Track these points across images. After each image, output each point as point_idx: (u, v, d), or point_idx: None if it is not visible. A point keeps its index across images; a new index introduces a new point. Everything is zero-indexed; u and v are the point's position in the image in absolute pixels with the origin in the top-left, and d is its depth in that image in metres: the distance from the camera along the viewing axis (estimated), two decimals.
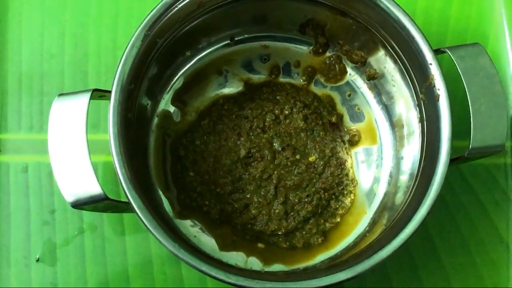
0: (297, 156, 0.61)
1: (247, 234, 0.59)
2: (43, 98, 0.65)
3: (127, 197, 0.47)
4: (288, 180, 0.61)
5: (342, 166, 0.62)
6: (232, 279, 0.46)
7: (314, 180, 0.61)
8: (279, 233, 0.59)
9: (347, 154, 0.63)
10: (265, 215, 0.60)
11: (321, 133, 0.62)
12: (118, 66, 0.50)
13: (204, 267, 0.46)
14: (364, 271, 0.47)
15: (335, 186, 0.61)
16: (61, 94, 0.51)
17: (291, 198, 0.60)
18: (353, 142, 0.63)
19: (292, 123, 0.62)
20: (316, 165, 0.61)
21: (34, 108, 0.64)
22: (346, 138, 0.63)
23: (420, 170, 0.54)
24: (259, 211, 0.60)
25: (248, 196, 0.60)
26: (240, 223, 0.60)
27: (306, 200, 0.60)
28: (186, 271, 0.60)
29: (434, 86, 0.51)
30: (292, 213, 0.60)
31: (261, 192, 0.60)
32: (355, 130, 0.63)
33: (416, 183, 0.53)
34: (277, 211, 0.60)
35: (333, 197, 0.61)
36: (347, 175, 0.62)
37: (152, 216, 0.47)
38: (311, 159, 0.61)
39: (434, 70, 0.51)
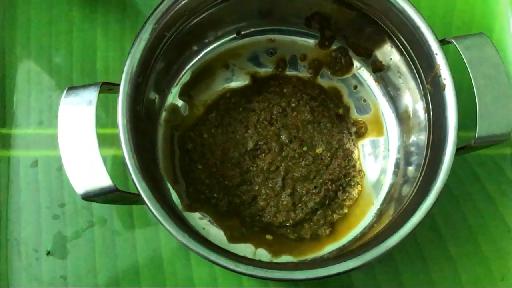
0: (304, 148, 0.62)
1: (255, 226, 0.60)
2: (52, 93, 0.65)
3: (136, 188, 0.48)
4: (296, 172, 0.61)
5: (349, 158, 0.62)
6: (241, 268, 0.46)
7: (322, 172, 0.61)
8: (287, 224, 0.60)
9: (354, 146, 0.63)
10: (273, 207, 0.60)
11: (327, 125, 0.63)
12: (127, 59, 0.51)
13: (213, 257, 0.46)
14: (372, 260, 0.47)
15: (342, 178, 0.62)
16: (70, 88, 0.51)
17: (298, 189, 0.61)
18: (360, 134, 0.63)
19: (299, 116, 0.63)
20: (323, 157, 0.62)
21: (43, 103, 0.65)
22: (353, 130, 0.63)
23: (427, 160, 0.54)
24: (267, 202, 0.60)
25: (256, 188, 0.61)
26: (249, 215, 0.60)
27: (313, 191, 0.61)
28: (196, 263, 0.61)
29: (440, 76, 0.51)
30: (300, 205, 0.60)
31: (269, 184, 0.61)
32: (361, 122, 0.63)
33: (423, 173, 0.53)
34: (285, 202, 0.60)
35: (341, 188, 0.61)
36: (354, 166, 0.62)
37: (162, 207, 0.48)
38: (318, 151, 0.62)
39: (440, 60, 0.51)
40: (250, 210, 0.60)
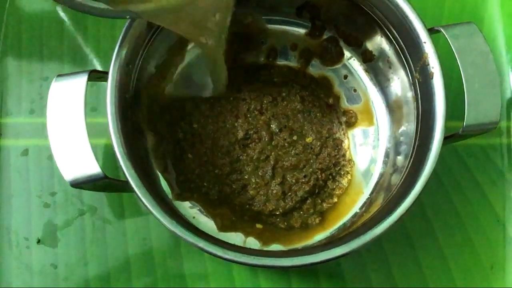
0: (294, 137, 0.62)
1: (245, 215, 0.60)
2: (43, 83, 0.65)
3: (125, 175, 0.48)
4: (286, 161, 0.61)
5: (339, 147, 0.62)
6: (230, 255, 0.46)
7: (311, 161, 0.61)
8: (277, 213, 0.60)
9: (344, 135, 0.63)
10: (263, 196, 0.60)
11: (318, 114, 0.63)
12: (116, 47, 0.51)
13: (202, 244, 0.46)
14: (359, 247, 0.47)
15: (332, 167, 0.62)
16: (59, 75, 0.51)
17: (288, 178, 0.61)
18: (350, 123, 0.63)
19: (289, 105, 0.63)
20: (313, 146, 0.62)
21: (34, 92, 0.65)
22: (343, 119, 0.64)
23: (415, 149, 0.54)
24: (257, 191, 0.60)
25: (246, 177, 0.61)
26: (239, 204, 0.60)
27: (303, 180, 0.61)
28: (186, 252, 0.61)
29: (428, 65, 0.51)
30: (289, 193, 0.60)
31: (258, 173, 0.61)
32: (351, 111, 0.64)
33: (411, 162, 0.54)
34: (274, 191, 0.60)
35: (330, 177, 0.62)
36: (344, 155, 0.62)
37: (150, 194, 0.48)
38: (308, 140, 0.62)
39: (428, 49, 0.51)
40: (240, 199, 0.60)
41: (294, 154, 0.61)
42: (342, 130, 0.63)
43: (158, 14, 0.50)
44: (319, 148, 0.62)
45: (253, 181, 0.61)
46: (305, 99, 0.63)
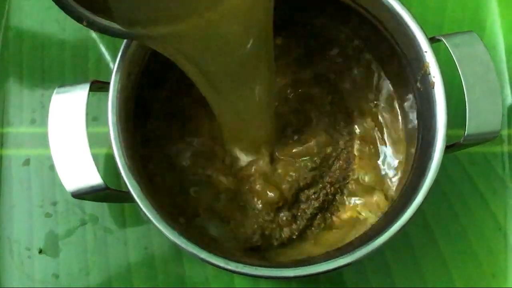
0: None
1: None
2: (44, 92, 0.66)
3: (126, 185, 0.47)
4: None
5: (350, 161, 0.61)
6: (232, 266, 0.46)
7: (324, 174, 0.60)
8: (294, 237, 0.58)
9: (355, 149, 0.63)
10: (275, 229, 0.58)
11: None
12: (117, 57, 0.51)
13: (204, 255, 0.46)
14: (362, 257, 0.47)
15: (341, 180, 0.61)
16: (60, 86, 0.51)
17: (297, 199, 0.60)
18: (363, 137, 0.63)
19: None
20: (328, 158, 0.61)
21: (36, 101, 0.65)
22: (357, 132, 0.63)
23: (416, 158, 0.54)
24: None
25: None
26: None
27: (313, 197, 0.59)
28: (188, 261, 0.61)
29: (429, 74, 0.51)
30: (299, 213, 0.59)
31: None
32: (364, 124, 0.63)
33: (412, 171, 0.53)
34: (284, 218, 0.58)
35: (338, 191, 0.61)
36: (353, 170, 0.62)
37: (152, 205, 0.47)
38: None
39: (429, 58, 0.51)
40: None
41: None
42: (357, 144, 0.63)
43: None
44: (333, 159, 0.60)
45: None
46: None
